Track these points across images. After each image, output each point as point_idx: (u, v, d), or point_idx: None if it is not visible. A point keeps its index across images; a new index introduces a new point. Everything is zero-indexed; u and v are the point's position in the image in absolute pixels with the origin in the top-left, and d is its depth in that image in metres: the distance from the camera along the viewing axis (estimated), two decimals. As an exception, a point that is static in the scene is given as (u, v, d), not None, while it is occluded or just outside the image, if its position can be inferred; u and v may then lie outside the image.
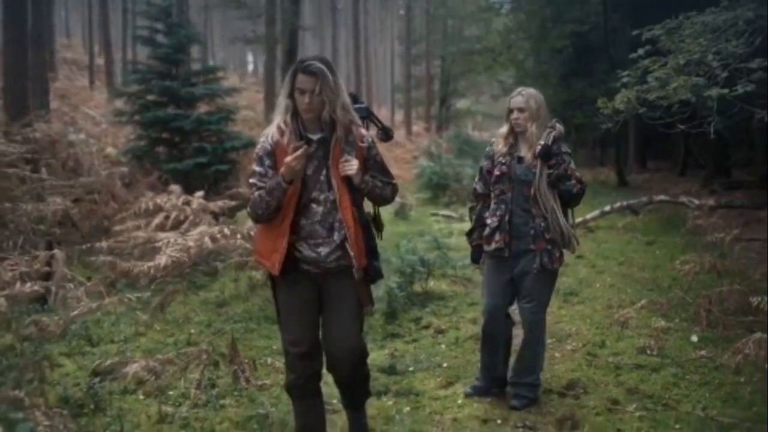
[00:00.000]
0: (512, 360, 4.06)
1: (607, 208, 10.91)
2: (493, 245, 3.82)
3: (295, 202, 2.93)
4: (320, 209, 2.96)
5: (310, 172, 2.95)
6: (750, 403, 3.86)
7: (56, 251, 5.93)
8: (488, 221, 3.87)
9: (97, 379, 4.01)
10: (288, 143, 2.90)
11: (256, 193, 2.94)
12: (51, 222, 7.43)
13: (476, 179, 4.09)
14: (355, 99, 3.13)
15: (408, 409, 3.88)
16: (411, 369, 4.51)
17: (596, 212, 10.77)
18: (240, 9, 14.45)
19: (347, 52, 47.14)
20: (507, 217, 3.79)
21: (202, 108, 11.52)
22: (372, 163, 3.10)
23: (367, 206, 3.20)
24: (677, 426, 3.61)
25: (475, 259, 4.09)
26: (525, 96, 3.82)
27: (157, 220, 6.92)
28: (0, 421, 2.78)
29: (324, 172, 2.96)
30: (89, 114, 15.94)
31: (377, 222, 3.26)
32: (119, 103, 21.01)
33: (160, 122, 10.57)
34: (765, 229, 8.83)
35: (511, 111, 3.85)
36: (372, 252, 3.11)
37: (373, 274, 3.12)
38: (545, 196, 3.73)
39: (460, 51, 35.50)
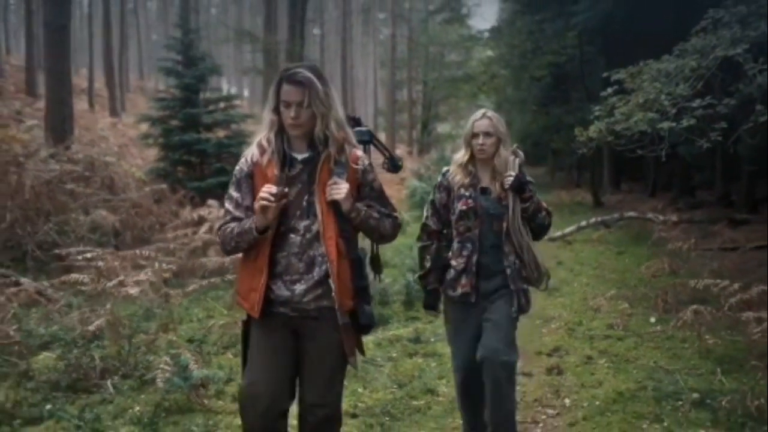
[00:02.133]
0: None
1: (583, 223, 12.39)
2: (459, 290, 3.28)
3: (272, 232, 2.51)
4: (298, 239, 2.52)
5: (291, 196, 2.51)
6: (689, 358, 5.17)
7: (128, 252, 7.07)
8: (453, 263, 3.31)
9: (195, 343, 5.18)
10: (269, 163, 2.54)
11: (229, 226, 2.56)
12: (105, 231, 8.60)
13: (427, 214, 3.45)
14: (357, 122, 2.79)
15: (434, 364, 5.12)
16: (432, 340, 5.74)
17: (573, 227, 12.18)
18: (253, 43, 15.72)
19: (332, 78, 48.65)
20: (474, 258, 3.25)
21: (220, 133, 12.74)
22: (368, 191, 2.66)
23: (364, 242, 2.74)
24: (635, 371, 4.89)
25: (431, 305, 3.46)
26: (492, 119, 3.31)
27: (204, 228, 8.09)
28: (165, 353, 3.96)
29: (307, 196, 2.53)
30: (103, 136, 17.05)
31: (375, 262, 2.78)
32: (121, 126, 22.06)
33: (185, 145, 11.74)
34: (718, 240, 10.27)
35: (474, 135, 3.29)
36: (362, 294, 2.60)
37: (363, 320, 2.61)
38: (519, 232, 3.25)
39: (442, 77, 37.05)
